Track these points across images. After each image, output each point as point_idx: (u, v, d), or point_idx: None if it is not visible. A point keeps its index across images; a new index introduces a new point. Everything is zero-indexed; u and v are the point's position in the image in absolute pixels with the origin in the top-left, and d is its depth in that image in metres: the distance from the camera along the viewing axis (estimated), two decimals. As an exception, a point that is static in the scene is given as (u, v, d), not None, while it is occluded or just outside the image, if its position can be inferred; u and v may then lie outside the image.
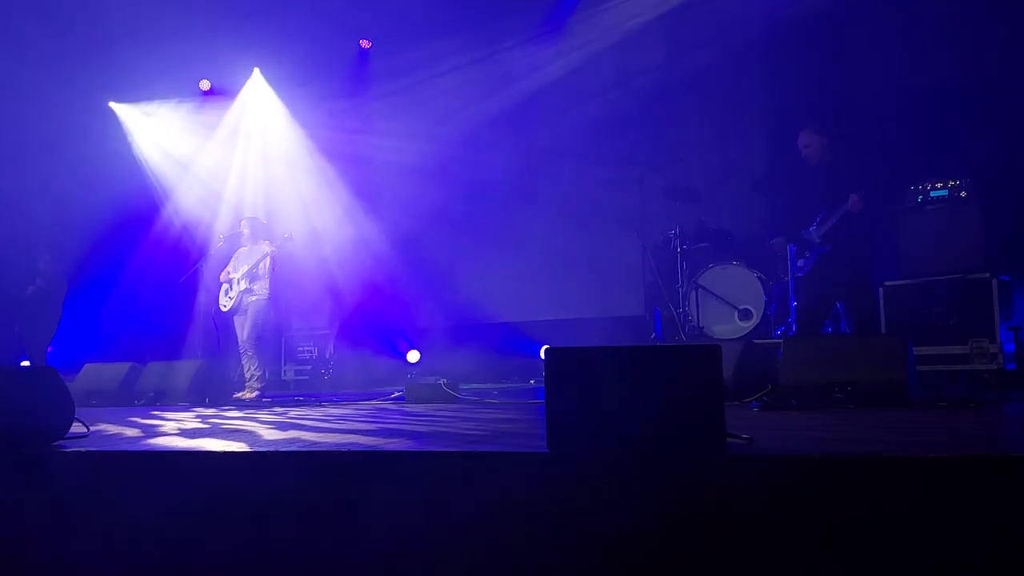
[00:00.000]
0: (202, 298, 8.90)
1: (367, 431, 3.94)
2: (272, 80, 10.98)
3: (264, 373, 7.93)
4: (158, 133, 11.32)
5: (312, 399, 7.70)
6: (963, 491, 2.27)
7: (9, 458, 3.35)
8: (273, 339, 9.44)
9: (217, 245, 8.46)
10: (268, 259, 7.82)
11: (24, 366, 8.80)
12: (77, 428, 3.92)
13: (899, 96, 7.48)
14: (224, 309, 7.98)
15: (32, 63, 9.95)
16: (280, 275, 8.17)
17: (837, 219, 5.92)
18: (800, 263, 6.29)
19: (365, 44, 10.71)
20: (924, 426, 3.51)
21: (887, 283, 6.55)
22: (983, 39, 7.03)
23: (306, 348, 10.71)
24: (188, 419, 5.32)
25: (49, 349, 9.48)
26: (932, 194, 6.58)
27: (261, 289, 7.82)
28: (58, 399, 3.74)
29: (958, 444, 2.85)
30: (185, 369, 7.86)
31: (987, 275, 6.15)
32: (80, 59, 9.97)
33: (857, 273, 5.99)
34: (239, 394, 7.64)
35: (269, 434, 3.96)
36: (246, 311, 7.81)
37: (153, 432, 4.26)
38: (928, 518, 2.26)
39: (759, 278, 7.50)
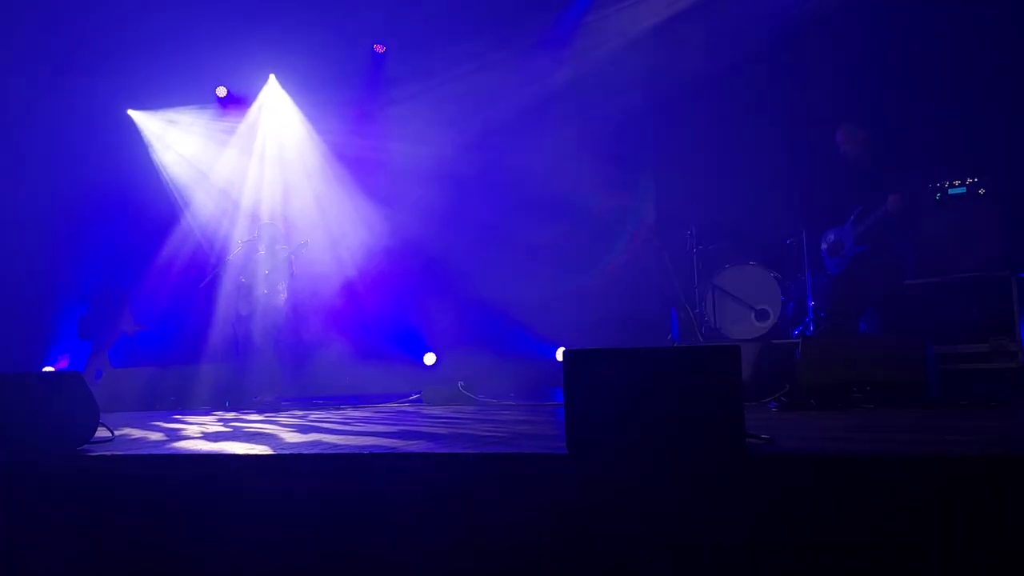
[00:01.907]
0: (221, 303, 8.98)
1: (387, 433, 3.97)
2: (288, 86, 11.06)
3: (283, 376, 7.99)
4: (176, 140, 11.43)
5: (331, 402, 7.75)
6: (984, 490, 2.27)
7: (36, 462, 3.40)
8: (291, 342, 9.51)
9: (235, 251, 8.54)
10: (286, 264, 7.89)
11: (49, 371, 8.92)
12: (102, 432, 3.99)
13: (917, 91, 7.44)
14: (243, 314, 8.05)
15: (50, 72, 10.08)
16: (297, 279, 8.23)
17: (875, 219, 5.86)
18: (835, 261, 6.24)
19: (379, 49, 10.77)
20: (944, 425, 3.49)
21: (906, 282, 6.51)
22: (1002, 34, 6.98)
23: (324, 351, 10.77)
24: (210, 423, 5.37)
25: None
26: (950, 191, 6.53)
27: (279, 294, 7.89)
28: (83, 404, 3.79)
29: (979, 443, 2.84)
30: (205, 373, 7.95)
31: (1007, 273, 6.10)
32: (98, 68, 10.08)
33: (891, 275, 5.93)
34: (259, 397, 7.71)
35: (291, 437, 4.00)
36: (265, 315, 7.87)
37: (176, 436, 4.31)
38: (949, 518, 2.26)
39: (776, 278, 7.47)
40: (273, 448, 3.41)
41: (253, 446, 3.52)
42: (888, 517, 2.31)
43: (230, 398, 7.73)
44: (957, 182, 6.51)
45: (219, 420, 5.64)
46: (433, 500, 2.82)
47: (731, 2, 8.45)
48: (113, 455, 3.41)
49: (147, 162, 11.32)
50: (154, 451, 3.51)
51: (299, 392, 9.78)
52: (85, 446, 3.70)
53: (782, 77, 8.44)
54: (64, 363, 10.73)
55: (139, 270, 10.77)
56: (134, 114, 11.27)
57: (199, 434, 4.41)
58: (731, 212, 8.34)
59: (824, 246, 6.39)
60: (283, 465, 3.11)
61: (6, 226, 10.12)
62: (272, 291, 7.89)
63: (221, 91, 11.15)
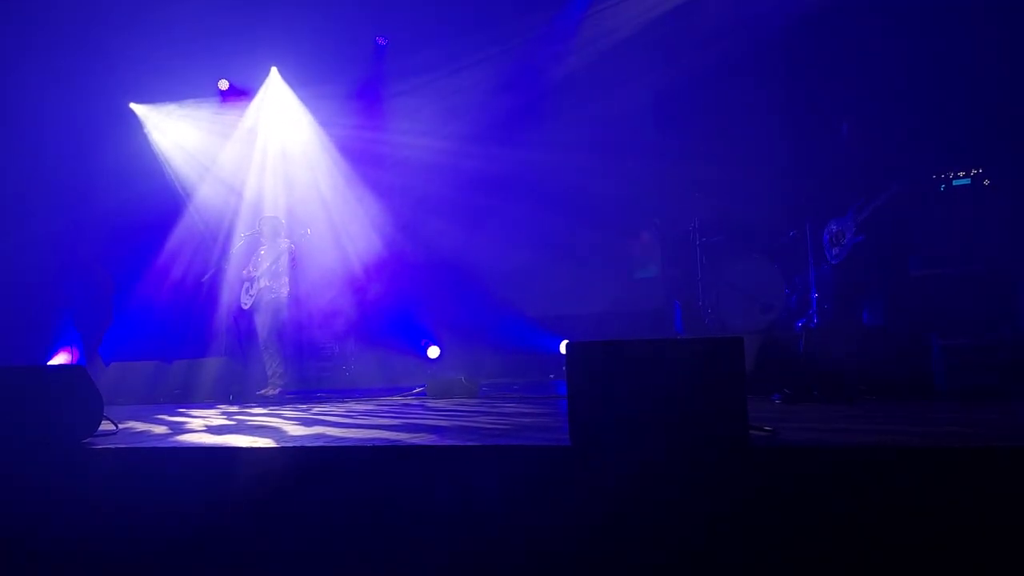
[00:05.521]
0: (224, 296, 8.98)
1: (391, 426, 3.97)
2: (289, 78, 11.05)
3: (286, 370, 8.00)
4: (178, 133, 11.43)
5: (334, 395, 7.75)
6: (989, 482, 2.26)
7: (40, 456, 3.41)
8: (294, 336, 9.52)
9: (238, 244, 8.54)
10: (288, 256, 7.89)
11: (54, 365, 8.92)
12: (106, 426, 4.00)
13: (922, 81, 7.40)
14: (245, 307, 8.06)
15: (52, 66, 10.06)
16: (300, 272, 8.23)
17: (874, 208, 5.85)
18: (835, 251, 6.23)
19: (381, 41, 10.75)
20: (948, 418, 3.48)
21: (911, 274, 6.48)
22: (1010, 24, 6.94)
23: (327, 344, 10.79)
24: (214, 416, 5.38)
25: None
26: (955, 183, 6.49)
27: (281, 287, 7.89)
28: (87, 397, 3.81)
29: (982, 435, 2.83)
30: (209, 367, 7.94)
31: (1012, 265, 6.07)
32: (100, 62, 10.08)
33: (891, 265, 5.92)
34: (262, 391, 7.72)
35: (294, 430, 4.00)
36: (267, 308, 7.88)
37: (180, 429, 4.32)
38: (954, 510, 2.25)
39: (779, 270, 7.47)
40: (277, 441, 3.41)
41: (257, 439, 3.52)
42: (892, 509, 2.31)
43: (234, 391, 7.75)
44: (962, 173, 6.47)
45: (223, 413, 5.64)
46: (437, 492, 2.82)
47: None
48: (117, 448, 3.41)
49: (150, 156, 11.32)
50: (158, 444, 3.51)
51: (302, 385, 9.80)
52: (89, 439, 3.71)
53: (786, 68, 8.41)
54: (71, 355, 10.75)
55: (142, 264, 10.77)
56: (136, 107, 11.27)
57: (203, 427, 4.41)
58: (734, 204, 8.32)
59: (827, 237, 6.38)
60: (287, 458, 3.11)
61: (8, 220, 10.13)
62: (275, 284, 7.89)
63: (223, 84, 11.14)
